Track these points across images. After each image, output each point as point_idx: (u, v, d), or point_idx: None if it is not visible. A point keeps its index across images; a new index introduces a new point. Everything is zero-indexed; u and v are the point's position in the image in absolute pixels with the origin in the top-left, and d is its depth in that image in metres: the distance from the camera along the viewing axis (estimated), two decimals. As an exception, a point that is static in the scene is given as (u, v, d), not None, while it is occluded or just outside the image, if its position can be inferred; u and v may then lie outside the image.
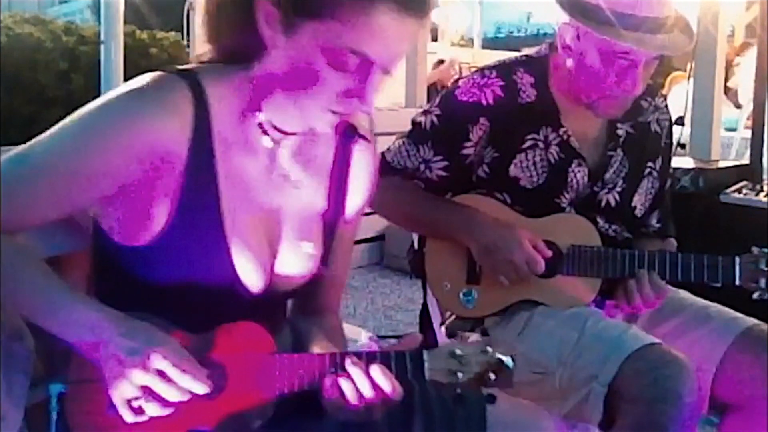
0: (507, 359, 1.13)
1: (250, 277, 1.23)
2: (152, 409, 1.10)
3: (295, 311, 1.43)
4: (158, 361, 1.08)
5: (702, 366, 1.65)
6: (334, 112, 1.17)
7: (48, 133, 1.16)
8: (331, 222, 1.33)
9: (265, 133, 1.23)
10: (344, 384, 1.12)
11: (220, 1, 1.20)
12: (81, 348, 1.11)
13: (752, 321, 1.75)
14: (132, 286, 1.21)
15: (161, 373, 1.08)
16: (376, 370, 1.11)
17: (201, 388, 1.10)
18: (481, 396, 1.19)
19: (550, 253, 1.71)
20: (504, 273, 1.72)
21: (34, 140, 1.16)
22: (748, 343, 1.70)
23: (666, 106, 1.96)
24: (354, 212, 1.38)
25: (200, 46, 1.27)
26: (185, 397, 1.10)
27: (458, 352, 1.12)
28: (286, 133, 1.24)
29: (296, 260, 1.29)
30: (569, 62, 1.75)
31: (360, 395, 1.12)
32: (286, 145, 1.26)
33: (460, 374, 1.12)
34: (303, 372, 1.14)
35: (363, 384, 1.12)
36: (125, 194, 1.17)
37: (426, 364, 1.12)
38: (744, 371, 1.67)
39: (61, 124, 1.16)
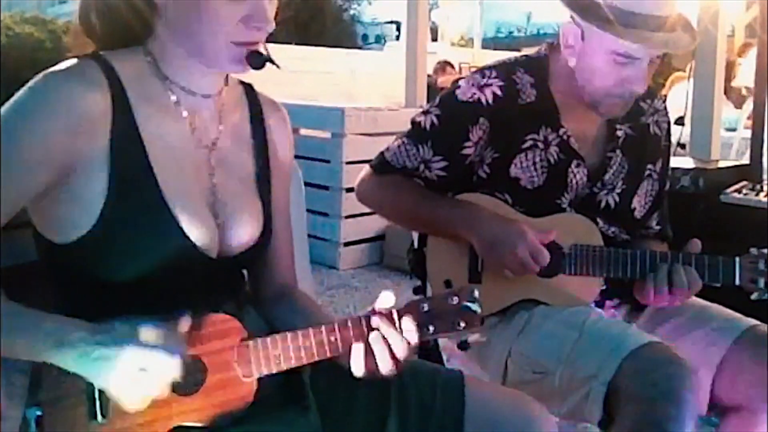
0: (474, 305, 1.22)
1: (203, 239, 1.22)
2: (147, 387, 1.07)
3: (259, 297, 1.43)
4: (144, 356, 1.05)
5: (702, 367, 1.65)
6: (237, 44, 1.19)
7: None
8: (263, 186, 1.35)
9: (178, 100, 1.25)
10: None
11: None
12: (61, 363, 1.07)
13: (752, 321, 1.75)
14: (89, 286, 1.19)
15: (149, 362, 1.06)
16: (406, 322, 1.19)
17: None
18: (461, 385, 1.33)
19: (553, 238, 1.70)
20: (509, 267, 1.70)
21: None
22: (749, 343, 1.70)
23: (665, 108, 1.96)
24: (282, 177, 1.41)
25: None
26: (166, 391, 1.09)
27: (426, 307, 1.21)
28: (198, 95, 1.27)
29: (239, 223, 1.29)
30: (572, 61, 1.75)
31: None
32: (203, 111, 1.28)
33: (431, 327, 1.20)
34: (280, 353, 1.18)
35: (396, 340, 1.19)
36: (61, 180, 1.15)
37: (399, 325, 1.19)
38: (744, 372, 1.67)
39: None
